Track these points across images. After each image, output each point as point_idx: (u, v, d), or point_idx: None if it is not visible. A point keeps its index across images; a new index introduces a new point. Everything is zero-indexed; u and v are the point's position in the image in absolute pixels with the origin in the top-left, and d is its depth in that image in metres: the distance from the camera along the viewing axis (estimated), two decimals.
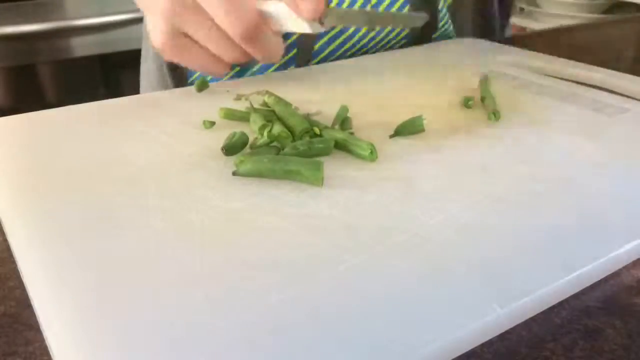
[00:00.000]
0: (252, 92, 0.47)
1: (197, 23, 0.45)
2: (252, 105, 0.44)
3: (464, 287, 0.26)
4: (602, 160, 0.38)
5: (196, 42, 0.46)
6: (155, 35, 0.46)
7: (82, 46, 1.41)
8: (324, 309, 0.25)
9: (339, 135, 0.38)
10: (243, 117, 0.43)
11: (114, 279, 0.26)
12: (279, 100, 0.43)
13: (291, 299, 0.25)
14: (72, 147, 0.39)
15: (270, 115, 0.41)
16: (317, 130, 0.39)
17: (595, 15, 1.44)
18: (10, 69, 1.36)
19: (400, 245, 0.29)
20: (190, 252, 0.28)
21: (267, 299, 0.25)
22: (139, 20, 1.45)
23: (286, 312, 0.24)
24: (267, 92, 0.45)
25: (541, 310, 0.27)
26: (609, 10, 1.48)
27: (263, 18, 0.46)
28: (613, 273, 0.30)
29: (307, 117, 0.41)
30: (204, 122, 0.42)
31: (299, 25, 0.46)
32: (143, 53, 0.75)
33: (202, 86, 0.49)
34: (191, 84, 0.65)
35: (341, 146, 0.38)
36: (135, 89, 0.79)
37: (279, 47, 0.48)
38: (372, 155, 0.37)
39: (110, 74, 1.48)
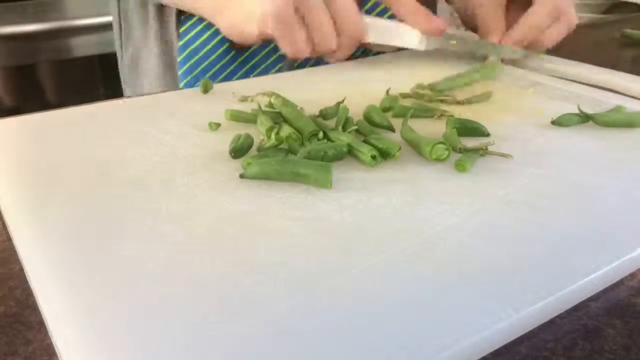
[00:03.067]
0: (257, 93, 0.47)
1: (314, 5, 0.49)
2: (260, 107, 0.43)
3: (478, 292, 0.26)
4: (606, 160, 0.38)
5: (301, 21, 0.50)
6: (268, 2, 0.49)
7: (82, 46, 1.41)
8: (337, 314, 0.24)
9: (345, 138, 0.38)
10: (249, 119, 0.42)
11: (124, 283, 0.26)
12: (286, 101, 0.43)
13: (304, 304, 0.25)
14: (76, 149, 0.39)
15: (277, 117, 0.41)
16: (322, 134, 0.39)
17: (595, 15, 1.44)
18: (11, 69, 1.36)
19: (411, 249, 0.28)
20: (200, 255, 0.28)
21: (281, 304, 0.25)
22: None
23: (300, 317, 0.24)
24: (273, 93, 0.45)
25: (556, 314, 0.27)
26: (609, 10, 1.47)
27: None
28: None
29: (312, 119, 0.41)
30: (210, 124, 0.42)
31: (407, 40, 0.52)
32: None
33: (207, 87, 0.49)
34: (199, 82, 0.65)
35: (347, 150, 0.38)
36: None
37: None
38: (375, 161, 0.36)
39: (110, 74, 1.48)
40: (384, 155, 0.37)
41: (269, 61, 0.66)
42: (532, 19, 0.56)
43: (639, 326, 0.27)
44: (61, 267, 0.27)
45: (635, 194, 0.34)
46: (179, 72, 0.66)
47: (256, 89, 0.49)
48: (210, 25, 0.64)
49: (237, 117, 0.43)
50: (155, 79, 0.71)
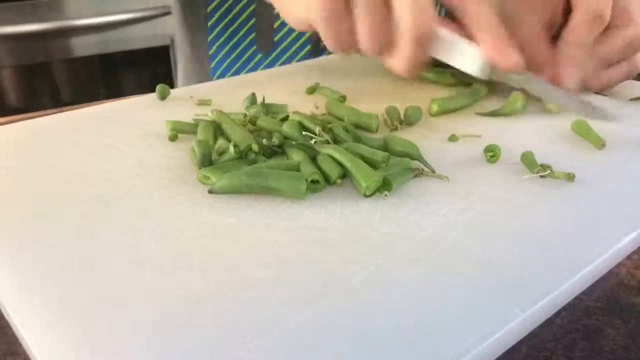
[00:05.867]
0: (207, 98, 0.46)
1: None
2: (196, 119, 0.42)
3: (480, 293, 0.25)
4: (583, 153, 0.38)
5: (351, 15, 0.41)
6: None
7: (82, 46, 1.41)
8: (345, 327, 0.23)
9: (295, 156, 0.35)
10: (192, 130, 0.40)
11: (114, 307, 0.24)
12: (224, 114, 0.41)
13: (309, 320, 0.24)
14: (34, 167, 0.36)
15: (217, 129, 0.39)
16: (256, 147, 0.36)
17: None
18: (10, 69, 1.36)
19: (407, 254, 0.28)
20: (192, 274, 0.26)
21: (285, 321, 0.24)
22: (139, 20, 1.46)
23: (306, 333, 0.23)
24: (208, 104, 0.45)
25: (558, 309, 0.27)
26: None
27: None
28: (613, 273, 0.30)
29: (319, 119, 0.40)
30: (169, 135, 0.40)
31: (467, 63, 0.43)
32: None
33: (164, 93, 0.48)
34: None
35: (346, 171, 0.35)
36: (135, 89, 0.79)
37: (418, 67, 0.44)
38: (317, 185, 0.33)
39: (110, 74, 1.48)
40: (327, 179, 0.34)
41: (292, 49, 0.66)
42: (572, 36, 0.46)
43: (639, 326, 0.27)
44: (44, 298, 0.25)
45: (610, 186, 0.34)
46: (212, 65, 0.68)
47: (217, 92, 0.47)
48: (236, 16, 0.65)
49: (179, 128, 0.41)
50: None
